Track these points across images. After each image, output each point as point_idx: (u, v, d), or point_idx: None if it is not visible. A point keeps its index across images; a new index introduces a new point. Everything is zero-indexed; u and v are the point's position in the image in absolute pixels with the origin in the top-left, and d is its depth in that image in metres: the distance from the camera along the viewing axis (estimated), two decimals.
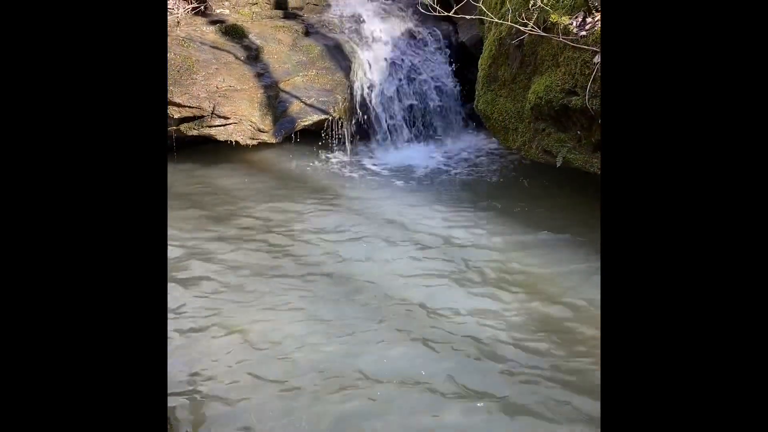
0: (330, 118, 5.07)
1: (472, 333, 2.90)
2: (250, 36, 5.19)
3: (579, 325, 2.95)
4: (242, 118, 4.82)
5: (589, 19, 3.70)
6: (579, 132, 3.86)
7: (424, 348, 2.80)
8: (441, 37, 5.69)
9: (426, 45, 5.64)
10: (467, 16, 4.49)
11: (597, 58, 3.48)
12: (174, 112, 4.70)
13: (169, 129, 4.79)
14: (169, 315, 3.06)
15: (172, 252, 3.67)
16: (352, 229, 4.02)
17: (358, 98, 5.27)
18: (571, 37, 3.75)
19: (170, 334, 2.91)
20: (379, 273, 3.47)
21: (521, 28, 3.91)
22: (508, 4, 4.29)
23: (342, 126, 5.18)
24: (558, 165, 4.05)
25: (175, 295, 3.26)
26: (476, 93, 4.71)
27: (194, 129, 4.78)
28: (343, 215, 4.23)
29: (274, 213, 4.24)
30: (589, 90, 3.49)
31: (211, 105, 4.72)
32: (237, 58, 4.97)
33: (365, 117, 5.33)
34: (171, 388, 2.56)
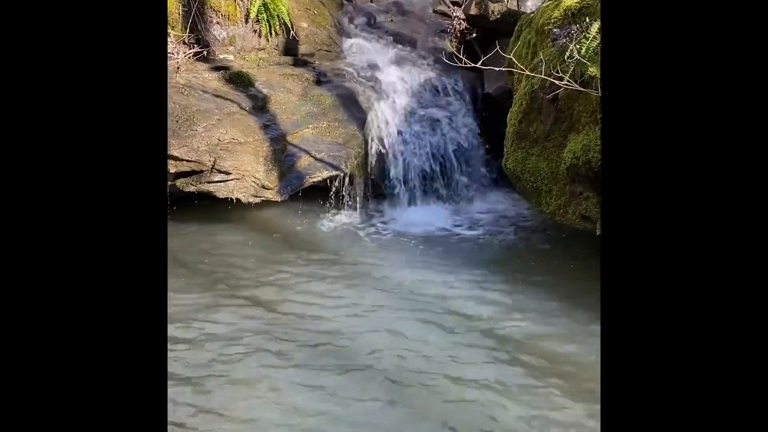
0: (341, 174, 4.77)
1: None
2: (257, 84, 4.94)
3: None
4: (245, 174, 4.48)
5: None
6: None
7: None
8: (465, 87, 5.49)
9: (448, 96, 5.42)
10: (495, 68, 4.26)
11: None
12: (171, 166, 4.38)
13: None
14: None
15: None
16: (360, 298, 3.77)
17: (373, 153, 5.01)
18: None
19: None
20: (390, 348, 3.26)
21: (556, 81, 3.67)
22: (541, 56, 4.05)
23: (354, 183, 4.90)
24: (598, 233, 3.73)
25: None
26: (504, 150, 4.44)
27: (192, 185, 4.44)
28: (352, 284, 3.94)
29: (276, 280, 3.95)
30: None
31: (212, 159, 4.40)
32: (241, 108, 4.70)
33: (380, 173, 5.06)
34: None
